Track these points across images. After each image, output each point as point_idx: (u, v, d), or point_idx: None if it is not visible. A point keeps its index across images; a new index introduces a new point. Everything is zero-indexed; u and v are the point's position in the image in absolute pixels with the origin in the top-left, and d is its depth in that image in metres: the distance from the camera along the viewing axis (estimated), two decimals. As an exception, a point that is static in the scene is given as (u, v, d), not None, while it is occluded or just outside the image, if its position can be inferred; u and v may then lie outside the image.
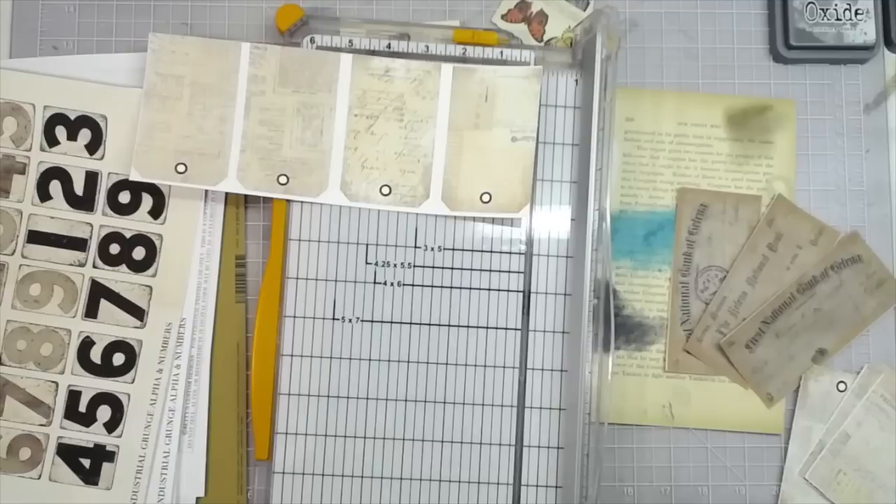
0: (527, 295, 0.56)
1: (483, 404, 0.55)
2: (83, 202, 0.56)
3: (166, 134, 0.54)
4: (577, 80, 0.57)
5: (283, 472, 0.54)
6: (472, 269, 0.56)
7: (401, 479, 0.54)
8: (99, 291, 0.55)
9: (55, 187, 0.56)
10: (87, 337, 0.55)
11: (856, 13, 0.58)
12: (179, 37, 0.55)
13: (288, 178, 0.55)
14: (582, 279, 0.53)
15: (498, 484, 0.54)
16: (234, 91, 0.55)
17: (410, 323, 0.55)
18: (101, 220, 0.56)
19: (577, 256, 0.55)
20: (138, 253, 0.56)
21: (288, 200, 0.55)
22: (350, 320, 0.55)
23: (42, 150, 0.56)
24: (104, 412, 0.55)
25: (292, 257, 0.55)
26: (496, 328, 0.55)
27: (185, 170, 0.54)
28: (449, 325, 0.55)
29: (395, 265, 0.55)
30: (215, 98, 0.55)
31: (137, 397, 0.55)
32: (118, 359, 0.55)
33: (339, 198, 0.55)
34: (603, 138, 0.54)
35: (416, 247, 0.56)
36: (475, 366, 0.55)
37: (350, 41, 0.56)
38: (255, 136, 0.54)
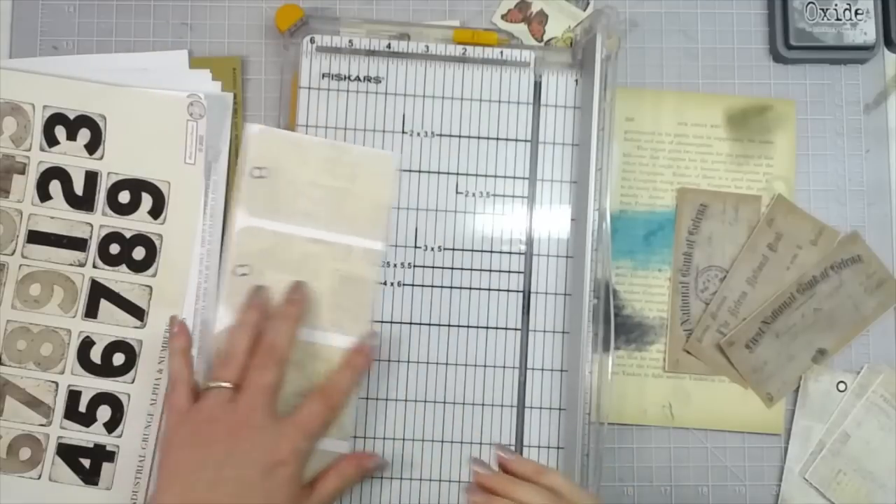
0: (527, 295, 0.56)
1: (483, 404, 0.55)
2: (83, 202, 0.56)
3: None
4: (577, 80, 0.57)
5: (283, 472, 0.54)
6: (472, 269, 0.56)
7: (401, 478, 0.54)
8: (99, 291, 0.55)
9: (55, 187, 0.56)
10: (87, 337, 0.55)
11: (856, 13, 0.58)
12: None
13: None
14: (582, 279, 0.53)
15: (498, 484, 0.54)
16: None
17: (410, 323, 0.55)
18: (101, 220, 0.56)
19: (577, 256, 0.55)
20: (138, 253, 0.55)
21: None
22: (350, 320, 0.55)
23: (42, 149, 0.56)
24: (104, 412, 0.55)
25: (292, 257, 0.55)
26: (496, 328, 0.55)
27: None
28: (449, 325, 0.55)
29: (395, 265, 0.55)
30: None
31: (137, 397, 0.55)
32: (118, 359, 0.55)
33: None
34: (603, 138, 0.54)
35: (416, 247, 0.56)
36: (475, 366, 0.55)
37: (350, 41, 0.56)
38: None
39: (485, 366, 0.55)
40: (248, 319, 0.52)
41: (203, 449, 0.47)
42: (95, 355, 0.55)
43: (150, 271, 0.55)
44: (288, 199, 0.54)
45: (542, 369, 0.55)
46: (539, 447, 0.55)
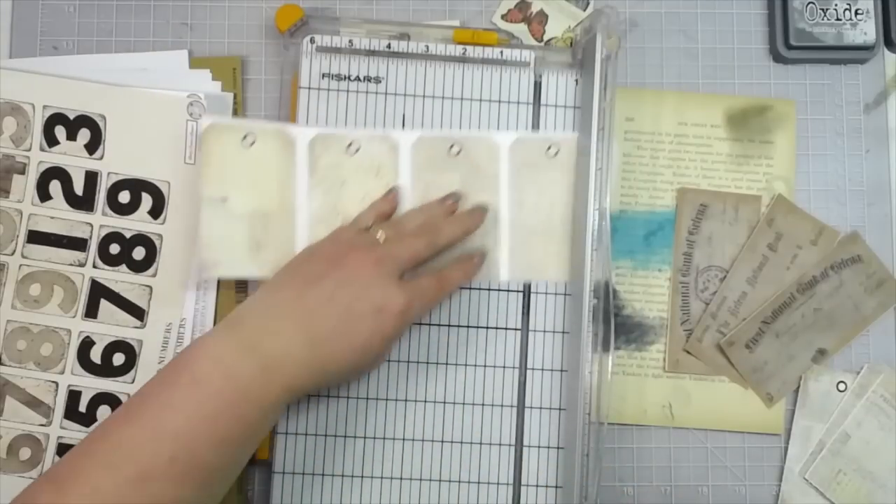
0: (527, 295, 0.56)
1: (483, 404, 0.55)
2: (83, 202, 0.56)
3: None
4: (577, 80, 0.57)
5: (283, 472, 0.54)
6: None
7: (401, 479, 0.54)
8: (99, 291, 0.55)
9: (55, 187, 0.56)
10: (87, 337, 0.55)
11: (856, 13, 0.58)
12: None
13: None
14: (582, 279, 0.53)
15: (498, 484, 0.54)
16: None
17: (419, 324, 0.55)
18: (101, 220, 0.56)
19: (576, 256, 0.55)
20: (138, 253, 0.55)
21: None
22: (350, 320, 0.55)
23: (42, 149, 0.56)
24: (104, 412, 0.55)
25: (292, 257, 0.55)
26: (496, 328, 0.55)
27: None
28: (449, 325, 0.55)
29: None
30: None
31: (137, 397, 0.55)
32: (118, 359, 0.55)
33: None
34: (603, 138, 0.54)
35: (416, 247, 0.56)
36: (475, 366, 0.55)
37: (350, 41, 0.56)
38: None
39: (485, 366, 0.55)
40: (429, 210, 0.53)
41: (331, 265, 0.48)
42: (95, 355, 0.55)
43: (150, 271, 0.55)
44: (526, 172, 0.55)
45: (542, 369, 0.55)
46: (539, 447, 0.55)
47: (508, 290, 0.56)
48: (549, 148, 0.55)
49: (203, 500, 0.43)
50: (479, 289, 0.56)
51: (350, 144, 0.55)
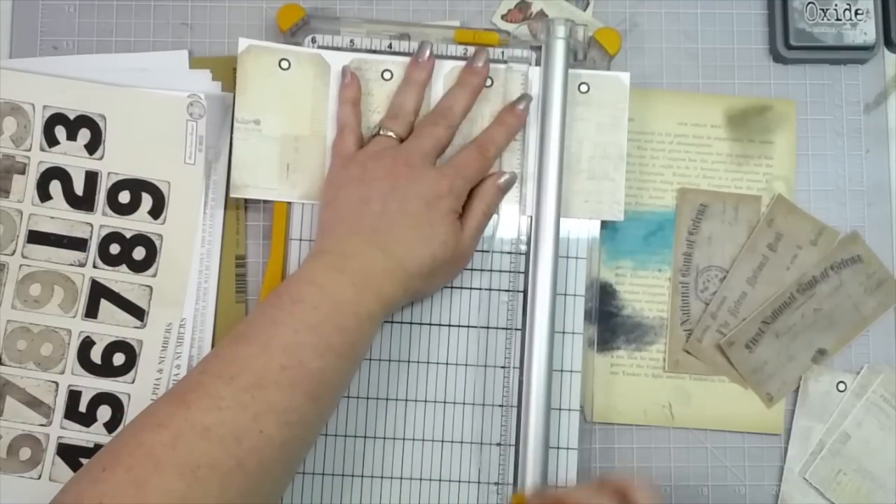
0: (527, 295, 0.56)
1: (483, 404, 0.55)
2: (83, 202, 0.56)
3: None
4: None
5: (284, 472, 0.54)
6: (472, 270, 0.56)
7: (401, 478, 0.54)
8: (99, 291, 0.55)
9: (55, 187, 0.56)
10: (87, 337, 0.55)
11: (856, 13, 0.58)
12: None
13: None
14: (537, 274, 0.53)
15: (498, 484, 0.54)
16: None
17: (410, 323, 0.55)
18: (101, 220, 0.56)
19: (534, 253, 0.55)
20: (138, 253, 0.55)
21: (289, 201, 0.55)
22: (350, 320, 0.55)
23: (42, 150, 0.56)
24: (104, 412, 0.55)
25: (293, 257, 0.55)
26: (496, 328, 0.55)
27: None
28: (449, 325, 0.55)
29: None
30: None
31: (137, 397, 0.55)
32: (118, 359, 0.55)
33: None
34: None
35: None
36: (475, 366, 0.55)
37: (351, 41, 0.56)
38: None
39: (485, 366, 0.55)
40: (415, 78, 0.54)
41: (368, 185, 0.50)
42: (95, 355, 0.55)
43: (150, 271, 0.55)
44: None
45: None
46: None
47: (509, 290, 0.56)
48: (580, 85, 0.56)
49: (312, 411, 0.45)
50: (480, 289, 0.56)
51: (384, 71, 0.55)
